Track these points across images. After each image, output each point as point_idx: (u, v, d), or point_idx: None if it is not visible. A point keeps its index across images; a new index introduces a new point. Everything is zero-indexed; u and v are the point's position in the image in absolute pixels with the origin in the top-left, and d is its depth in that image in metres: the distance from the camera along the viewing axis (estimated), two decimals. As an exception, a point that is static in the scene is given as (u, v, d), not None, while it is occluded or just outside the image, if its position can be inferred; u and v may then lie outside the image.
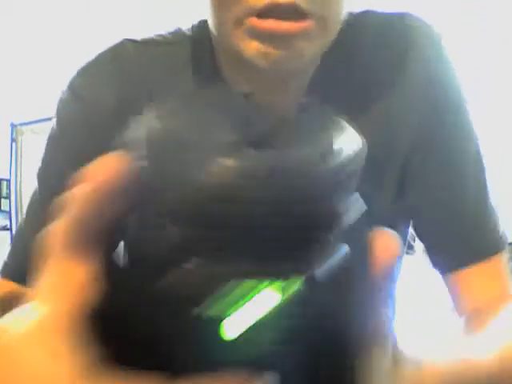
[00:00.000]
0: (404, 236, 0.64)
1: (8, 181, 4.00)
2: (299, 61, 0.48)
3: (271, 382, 0.19)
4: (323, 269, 0.20)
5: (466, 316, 0.55)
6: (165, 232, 0.19)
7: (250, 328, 0.19)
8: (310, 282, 0.20)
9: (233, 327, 0.19)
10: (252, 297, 0.19)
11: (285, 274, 0.19)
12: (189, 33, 0.60)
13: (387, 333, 0.23)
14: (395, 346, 0.27)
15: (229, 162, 0.19)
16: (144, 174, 0.20)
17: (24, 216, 0.62)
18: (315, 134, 0.21)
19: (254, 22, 0.46)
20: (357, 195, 0.22)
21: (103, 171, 0.20)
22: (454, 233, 0.57)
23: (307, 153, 0.20)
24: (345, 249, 0.21)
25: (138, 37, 0.61)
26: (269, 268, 0.19)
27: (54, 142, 0.61)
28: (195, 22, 0.60)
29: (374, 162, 0.56)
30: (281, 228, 0.19)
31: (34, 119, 3.63)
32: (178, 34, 0.61)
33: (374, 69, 0.58)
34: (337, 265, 0.20)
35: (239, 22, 0.47)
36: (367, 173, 0.60)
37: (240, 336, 0.19)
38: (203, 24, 0.59)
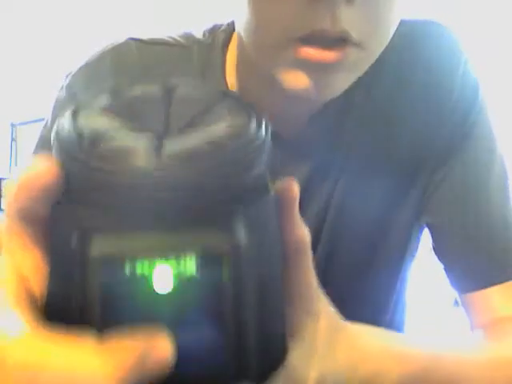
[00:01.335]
0: (416, 248, 0.63)
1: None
2: (337, 91, 0.46)
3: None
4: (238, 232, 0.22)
5: (484, 329, 0.55)
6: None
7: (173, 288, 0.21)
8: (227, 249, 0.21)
9: (159, 283, 0.21)
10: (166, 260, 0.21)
11: (195, 244, 0.21)
12: (200, 38, 0.59)
13: (305, 247, 0.28)
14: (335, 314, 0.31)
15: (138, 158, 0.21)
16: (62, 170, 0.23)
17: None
18: (226, 119, 0.23)
19: (300, 50, 0.42)
20: (263, 172, 0.24)
21: (27, 171, 0.23)
22: (480, 252, 0.56)
23: (216, 137, 0.22)
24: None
25: (140, 36, 0.60)
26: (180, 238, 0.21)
27: (45, 139, 0.60)
28: (195, 23, 0.60)
29: (405, 174, 0.56)
30: (191, 201, 0.21)
31: (33, 119, 3.63)
32: (188, 37, 0.59)
33: (403, 80, 0.57)
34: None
35: (279, 47, 0.43)
36: (394, 186, 0.59)
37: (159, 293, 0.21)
38: (216, 30, 0.58)
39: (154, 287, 0.21)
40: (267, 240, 0.24)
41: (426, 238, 0.63)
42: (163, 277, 0.21)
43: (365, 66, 0.46)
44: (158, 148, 0.21)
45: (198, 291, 0.21)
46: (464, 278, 0.57)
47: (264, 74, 0.49)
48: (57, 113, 0.60)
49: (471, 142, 0.57)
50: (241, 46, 0.53)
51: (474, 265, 0.56)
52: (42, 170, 0.23)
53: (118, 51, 0.58)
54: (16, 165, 3.99)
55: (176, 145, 0.22)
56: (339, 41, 0.41)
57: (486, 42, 2.62)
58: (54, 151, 0.23)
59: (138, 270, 0.21)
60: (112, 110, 0.24)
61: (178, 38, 0.59)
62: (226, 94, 0.25)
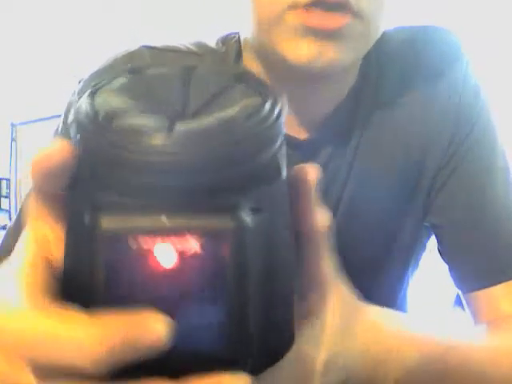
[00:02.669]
0: (423, 249, 0.64)
1: (8, 180, 4.01)
2: (338, 63, 0.47)
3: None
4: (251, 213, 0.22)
5: (487, 324, 0.55)
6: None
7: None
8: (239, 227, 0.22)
9: (163, 260, 0.21)
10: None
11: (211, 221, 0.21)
12: (213, 47, 0.59)
13: (324, 233, 0.28)
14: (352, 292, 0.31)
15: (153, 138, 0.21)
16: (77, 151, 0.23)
17: (16, 216, 0.61)
18: (240, 100, 0.24)
19: (302, 17, 0.44)
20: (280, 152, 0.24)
21: (43, 152, 0.24)
22: (484, 251, 0.56)
23: (231, 117, 0.22)
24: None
25: (138, 40, 0.60)
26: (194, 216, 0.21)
27: None
28: (200, 27, 0.60)
29: (410, 178, 0.57)
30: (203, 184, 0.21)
31: (33, 119, 3.63)
32: (201, 45, 0.59)
33: (406, 84, 0.57)
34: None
35: (280, 19, 0.45)
36: (400, 189, 0.60)
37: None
38: (230, 39, 0.59)
39: (158, 264, 0.21)
40: (276, 223, 0.24)
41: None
42: (167, 254, 0.21)
43: (363, 41, 0.48)
44: (172, 127, 0.22)
45: (200, 270, 0.21)
46: (468, 277, 0.58)
47: (269, 61, 0.50)
48: (68, 117, 0.60)
49: (474, 143, 0.57)
50: (249, 42, 0.54)
51: (479, 264, 0.57)
52: (54, 149, 0.23)
53: (130, 58, 0.58)
54: (16, 165, 3.99)
55: (189, 125, 0.22)
56: (339, 7, 0.44)
57: (486, 44, 2.62)
58: (71, 129, 0.24)
59: (143, 247, 0.21)
60: (130, 90, 0.24)
61: (191, 46, 0.59)
62: (243, 75, 0.26)
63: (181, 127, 0.22)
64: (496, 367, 0.44)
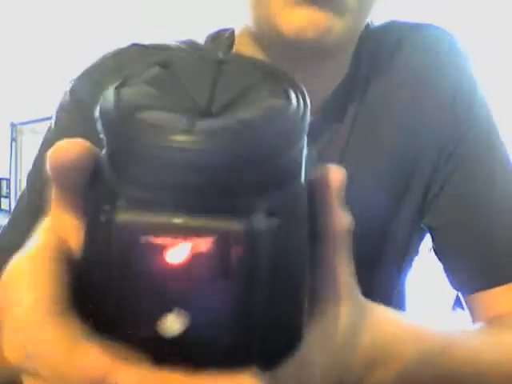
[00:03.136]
0: (417, 251, 0.63)
1: (8, 180, 4.00)
2: (330, 33, 0.48)
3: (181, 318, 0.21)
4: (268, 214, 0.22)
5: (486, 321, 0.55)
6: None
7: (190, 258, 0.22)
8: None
9: (175, 258, 0.21)
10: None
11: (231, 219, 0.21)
12: (203, 45, 0.60)
13: (344, 234, 0.28)
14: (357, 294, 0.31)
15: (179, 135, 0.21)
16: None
17: (10, 216, 0.60)
18: (267, 99, 0.23)
19: None
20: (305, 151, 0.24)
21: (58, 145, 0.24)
22: (484, 253, 0.56)
23: (255, 116, 0.22)
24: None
25: (138, 37, 0.60)
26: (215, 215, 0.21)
27: (49, 144, 0.60)
28: (196, 26, 0.60)
29: (401, 175, 0.56)
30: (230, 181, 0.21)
31: (33, 119, 3.63)
32: (191, 43, 0.60)
33: (398, 81, 0.57)
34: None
35: None
36: (393, 182, 0.60)
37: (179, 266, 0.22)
38: (220, 36, 0.59)
39: (170, 261, 0.22)
40: (291, 226, 0.23)
41: (425, 240, 0.63)
42: (179, 251, 0.21)
43: (355, 13, 0.49)
44: (194, 125, 0.22)
45: (211, 269, 0.22)
46: (468, 278, 0.57)
47: (267, 43, 0.51)
48: (60, 118, 0.60)
49: (472, 144, 0.57)
50: (249, 38, 0.54)
51: (478, 265, 0.56)
52: (71, 145, 0.24)
53: (120, 56, 0.58)
54: (16, 165, 3.99)
55: (212, 123, 0.22)
56: None
57: (485, 42, 2.62)
58: (97, 121, 0.24)
59: (156, 243, 0.21)
60: (158, 83, 0.24)
61: (181, 45, 0.59)
62: (272, 72, 0.25)
63: (203, 125, 0.22)
64: (497, 363, 0.44)
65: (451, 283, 0.59)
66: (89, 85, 0.58)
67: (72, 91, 0.59)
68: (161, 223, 0.21)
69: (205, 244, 0.21)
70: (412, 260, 0.62)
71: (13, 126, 4.01)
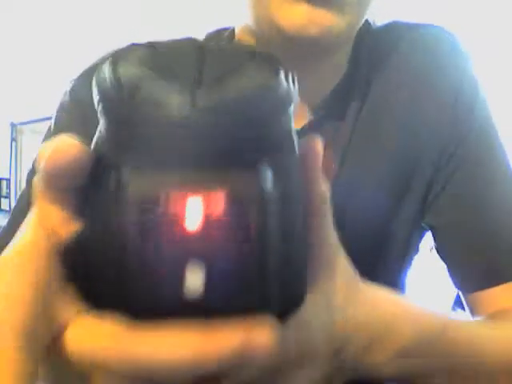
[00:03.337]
0: (416, 249, 0.63)
1: (8, 180, 4.01)
2: (330, 31, 0.48)
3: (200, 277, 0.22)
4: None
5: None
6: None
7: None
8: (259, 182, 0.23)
9: (189, 221, 0.22)
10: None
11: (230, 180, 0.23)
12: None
13: (323, 204, 0.28)
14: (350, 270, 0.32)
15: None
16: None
17: (10, 216, 0.61)
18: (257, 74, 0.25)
19: None
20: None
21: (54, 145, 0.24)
22: (485, 252, 0.56)
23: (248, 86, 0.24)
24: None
25: (138, 38, 0.60)
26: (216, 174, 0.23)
27: None
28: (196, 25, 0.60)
29: (402, 175, 0.56)
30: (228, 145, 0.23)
31: (33, 119, 3.63)
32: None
33: (398, 80, 0.57)
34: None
35: None
36: (394, 182, 0.60)
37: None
38: (221, 33, 0.59)
39: (184, 225, 0.22)
40: (290, 191, 0.25)
41: (425, 239, 0.63)
42: (193, 215, 0.22)
43: (355, 10, 0.49)
44: (192, 98, 0.23)
45: (225, 229, 0.23)
46: (469, 277, 0.57)
47: (268, 37, 0.51)
48: (60, 118, 0.60)
49: (473, 144, 0.57)
50: (250, 37, 0.54)
51: (479, 265, 0.56)
52: (69, 146, 0.24)
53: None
54: (16, 165, 3.99)
55: (208, 97, 0.23)
56: None
57: (485, 42, 2.62)
58: (94, 98, 0.25)
59: (169, 208, 0.22)
60: (148, 62, 0.25)
61: None
62: (254, 52, 0.27)
63: (202, 98, 0.23)
64: (497, 352, 0.44)
65: (453, 282, 0.59)
66: (89, 85, 0.58)
67: (72, 91, 0.60)
68: (172, 188, 0.22)
69: (219, 204, 0.22)
70: (412, 259, 0.63)
71: (13, 125, 4.01)
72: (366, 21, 0.58)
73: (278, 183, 0.23)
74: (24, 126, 3.94)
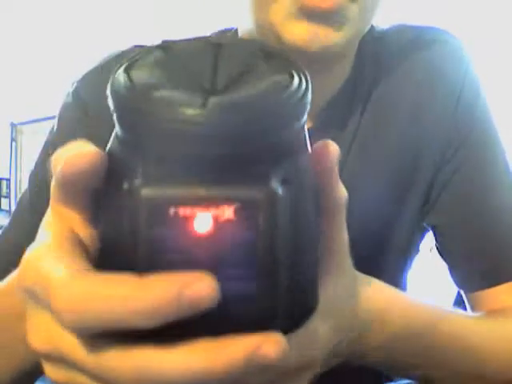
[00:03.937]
0: (417, 249, 0.63)
1: (8, 180, 4.00)
2: (333, 44, 0.48)
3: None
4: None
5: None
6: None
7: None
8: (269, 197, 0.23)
9: (200, 228, 0.22)
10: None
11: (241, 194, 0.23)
12: None
13: (340, 206, 0.29)
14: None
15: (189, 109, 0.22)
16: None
17: (11, 217, 0.60)
18: (269, 77, 0.25)
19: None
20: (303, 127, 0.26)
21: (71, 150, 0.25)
22: (488, 252, 0.56)
23: (260, 91, 0.24)
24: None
25: (140, 39, 0.60)
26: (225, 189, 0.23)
27: (52, 145, 0.60)
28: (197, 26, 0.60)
29: (403, 179, 0.57)
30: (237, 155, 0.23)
31: (33, 119, 3.63)
32: None
33: (402, 82, 0.58)
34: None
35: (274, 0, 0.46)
36: (394, 186, 0.60)
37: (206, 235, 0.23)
38: (222, 34, 0.59)
39: (195, 232, 0.22)
40: (303, 194, 0.25)
41: (425, 239, 0.63)
42: (204, 223, 0.22)
43: (358, 24, 0.48)
44: (206, 100, 0.23)
45: (234, 236, 0.23)
46: (471, 277, 0.58)
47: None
48: (63, 119, 0.60)
49: (474, 145, 0.57)
50: (248, 31, 0.54)
51: (480, 264, 0.57)
52: (86, 152, 0.24)
53: (122, 58, 0.59)
54: (16, 165, 3.99)
55: (221, 98, 0.23)
56: None
57: (485, 42, 2.62)
58: (108, 102, 0.25)
59: (180, 216, 0.22)
60: (163, 64, 0.25)
61: None
62: (269, 52, 0.27)
63: (215, 100, 0.23)
64: (490, 347, 0.44)
65: (454, 281, 0.59)
66: (92, 86, 0.58)
67: (75, 92, 0.60)
68: (184, 195, 0.22)
69: (229, 211, 0.22)
70: (413, 259, 0.63)
71: (13, 125, 4.01)
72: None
73: (287, 188, 0.23)
74: (24, 126, 3.94)
